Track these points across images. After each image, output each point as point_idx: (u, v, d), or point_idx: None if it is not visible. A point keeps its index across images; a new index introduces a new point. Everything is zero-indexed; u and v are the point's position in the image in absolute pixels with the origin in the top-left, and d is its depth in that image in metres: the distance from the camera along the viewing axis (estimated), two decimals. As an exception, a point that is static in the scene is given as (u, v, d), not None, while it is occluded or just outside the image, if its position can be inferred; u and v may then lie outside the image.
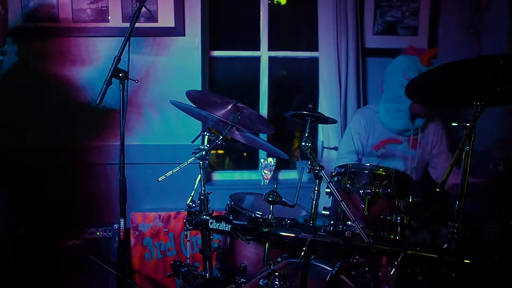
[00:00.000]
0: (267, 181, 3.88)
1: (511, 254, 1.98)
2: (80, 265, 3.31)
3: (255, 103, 4.00)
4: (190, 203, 2.54)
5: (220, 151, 4.31)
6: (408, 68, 2.96)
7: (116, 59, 2.13)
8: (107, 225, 3.42)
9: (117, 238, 3.39)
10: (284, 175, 4.08)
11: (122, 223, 2.30)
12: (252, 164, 4.15)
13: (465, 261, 1.75)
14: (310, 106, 2.15)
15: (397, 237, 1.94)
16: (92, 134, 3.61)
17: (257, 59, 3.97)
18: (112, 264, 3.33)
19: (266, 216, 2.37)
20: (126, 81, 2.17)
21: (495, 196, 2.31)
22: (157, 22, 3.50)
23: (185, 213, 3.44)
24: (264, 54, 3.95)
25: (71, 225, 3.43)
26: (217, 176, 4.02)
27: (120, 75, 2.14)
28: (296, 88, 4.26)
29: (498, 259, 1.95)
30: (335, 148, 3.64)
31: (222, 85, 4.08)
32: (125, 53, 2.22)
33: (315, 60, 3.83)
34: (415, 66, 2.96)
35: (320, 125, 3.81)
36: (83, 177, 3.61)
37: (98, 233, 3.39)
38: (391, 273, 1.84)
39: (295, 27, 4.11)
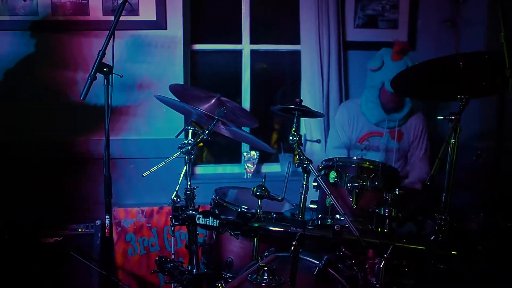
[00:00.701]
0: (250, 175, 3.89)
1: (495, 244, 2.02)
2: (62, 262, 3.26)
3: (237, 96, 3.99)
4: (175, 198, 2.51)
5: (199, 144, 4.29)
6: (373, 59, 3.16)
7: (100, 54, 2.09)
8: (88, 221, 3.38)
9: (99, 235, 3.35)
10: (266, 168, 4.08)
11: (107, 219, 2.26)
12: (235, 157, 4.14)
13: (452, 252, 1.78)
14: (298, 100, 2.14)
15: (385, 230, 1.96)
16: (73, 129, 3.56)
17: (239, 52, 3.95)
18: (94, 261, 3.29)
19: (253, 210, 2.37)
20: (110, 76, 2.13)
21: (477, 186, 2.35)
22: (138, 15, 3.46)
23: (169, 208, 3.47)
24: (246, 47, 3.93)
25: (52, 221, 3.39)
26: (200, 170, 4.00)
27: (105, 70, 2.10)
28: (278, 81, 4.25)
29: (482, 248, 1.98)
30: (318, 141, 3.66)
31: (204, 78, 4.05)
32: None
33: (297, 53, 3.84)
34: (380, 57, 3.11)
35: (302, 118, 3.82)
36: (64, 172, 3.55)
37: (80, 230, 3.35)
38: (381, 265, 1.85)
39: (277, 20, 4.10)
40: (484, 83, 1.86)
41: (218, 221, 2.13)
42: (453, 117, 1.86)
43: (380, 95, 3.13)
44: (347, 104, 3.39)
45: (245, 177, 3.90)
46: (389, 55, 3.09)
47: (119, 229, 3.46)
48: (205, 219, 2.19)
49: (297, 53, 3.84)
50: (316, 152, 3.65)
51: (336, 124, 3.26)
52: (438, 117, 1.92)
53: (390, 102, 3.11)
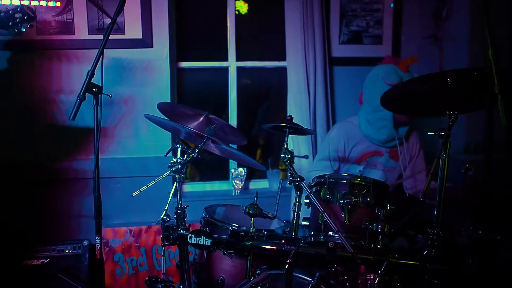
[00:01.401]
0: (238, 191, 3.88)
1: (486, 257, 2.04)
2: (50, 284, 3.19)
3: (223, 113, 3.99)
4: (164, 217, 2.49)
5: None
6: (389, 74, 2.96)
7: (89, 74, 2.07)
8: (75, 242, 3.33)
9: (87, 255, 3.30)
10: (255, 184, 4.08)
11: (98, 241, 2.23)
12: (221, 173, 4.13)
13: (446, 267, 1.80)
14: (288, 118, 2.16)
15: (378, 246, 1.97)
16: (57, 149, 3.52)
17: (225, 70, 3.96)
18: (83, 282, 3.23)
19: (244, 228, 2.37)
20: (100, 96, 2.11)
21: (466, 200, 2.37)
22: (124, 33, 3.45)
23: (157, 226, 3.45)
24: (232, 64, 3.95)
25: (37, 243, 3.32)
26: (188, 187, 3.98)
27: (94, 90, 2.08)
28: (265, 97, 4.27)
29: (473, 262, 2.00)
30: (306, 157, 3.65)
31: (191, 96, 4.05)
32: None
33: (283, 69, 3.87)
34: (395, 72, 2.97)
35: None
36: (49, 192, 3.50)
37: (67, 251, 3.28)
38: (375, 282, 1.86)
39: (263, 36, 4.13)
40: (473, 98, 1.90)
41: (210, 240, 2.12)
42: (443, 133, 1.89)
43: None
44: (345, 126, 3.21)
45: (233, 194, 3.89)
46: (398, 69, 2.99)
47: (107, 249, 3.41)
48: (197, 238, 2.18)
49: (283, 69, 3.88)
50: (304, 167, 3.66)
51: (330, 143, 3.15)
52: (429, 133, 1.95)
53: (404, 118, 3.02)
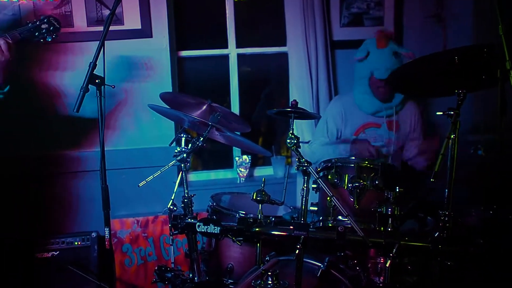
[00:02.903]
0: (243, 179, 3.86)
1: (496, 237, 2.03)
2: (60, 276, 3.22)
3: (225, 101, 3.96)
4: (171, 207, 2.48)
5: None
6: (359, 49, 3.15)
7: (91, 65, 2.05)
8: (84, 234, 3.33)
9: (96, 247, 3.31)
10: (259, 172, 4.06)
11: (107, 232, 2.23)
12: (225, 162, 4.11)
13: (458, 248, 1.78)
14: (293, 102, 2.13)
15: (389, 229, 1.95)
16: (61, 142, 3.51)
17: (226, 57, 3.93)
18: (92, 274, 3.24)
19: (252, 215, 2.36)
20: (103, 87, 2.09)
21: (476, 180, 2.36)
22: (123, 24, 3.42)
23: (164, 216, 3.44)
24: (232, 51, 3.91)
25: (47, 235, 3.35)
26: (192, 177, 3.96)
27: (97, 81, 2.07)
28: (267, 83, 4.24)
29: (484, 242, 1.99)
30: (309, 142, 3.65)
31: (192, 84, 4.02)
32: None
33: (284, 55, 3.83)
34: (364, 46, 3.12)
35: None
36: (56, 185, 3.50)
37: (76, 243, 3.30)
38: (387, 265, 1.85)
39: (263, 22, 4.08)
40: (483, 76, 1.87)
41: (219, 228, 2.11)
42: (452, 112, 1.86)
43: (371, 85, 3.10)
44: (341, 97, 3.36)
45: (238, 182, 3.87)
46: (374, 43, 3.09)
47: (115, 240, 3.42)
48: (206, 227, 2.17)
49: (284, 55, 3.84)
50: (307, 153, 3.64)
51: (328, 116, 3.20)
52: (437, 113, 1.92)
53: (380, 93, 3.08)
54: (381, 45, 3.06)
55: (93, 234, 3.31)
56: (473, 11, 3.38)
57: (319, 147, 3.21)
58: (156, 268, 2.67)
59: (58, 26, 2.77)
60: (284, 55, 3.83)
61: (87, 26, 3.37)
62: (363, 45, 3.16)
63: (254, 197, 2.16)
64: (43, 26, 2.70)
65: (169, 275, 2.57)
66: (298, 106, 2.22)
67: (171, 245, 2.77)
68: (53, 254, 3.23)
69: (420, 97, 3.16)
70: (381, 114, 3.15)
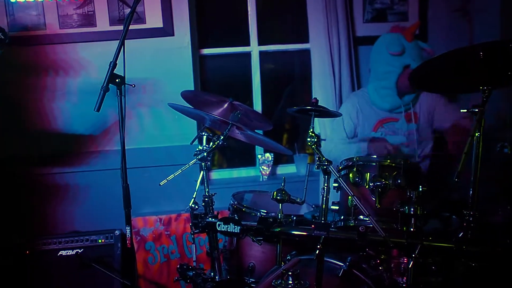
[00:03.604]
0: (266, 177, 3.85)
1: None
2: (84, 273, 3.26)
3: (247, 98, 3.95)
4: (193, 205, 2.49)
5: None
6: (391, 44, 3.03)
7: (112, 65, 2.06)
8: (108, 232, 3.37)
9: (119, 245, 3.33)
10: (282, 169, 4.04)
11: (128, 230, 2.24)
12: (248, 159, 4.10)
13: (483, 250, 1.73)
14: (314, 100, 2.10)
15: (411, 229, 1.91)
16: (87, 140, 3.55)
17: (248, 55, 3.92)
18: (116, 271, 3.27)
19: (272, 214, 2.34)
20: (123, 86, 2.10)
21: (502, 179, 2.29)
22: (145, 23, 3.44)
23: (186, 214, 3.45)
24: (254, 49, 3.90)
25: (70, 233, 3.41)
26: (215, 175, 3.97)
27: (117, 80, 2.08)
28: (288, 81, 4.21)
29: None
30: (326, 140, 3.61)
31: (214, 82, 4.02)
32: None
33: (306, 52, 3.80)
34: (398, 41, 3.02)
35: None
36: (79, 184, 3.56)
37: (100, 241, 3.33)
38: (409, 266, 1.81)
39: (284, 19, 4.06)
40: (510, 72, 1.80)
41: (239, 227, 2.10)
42: (476, 110, 1.80)
43: (399, 80, 3.03)
44: (356, 93, 3.33)
45: (261, 180, 3.86)
46: (403, 38, 3.03)
47: (138, 238, 3.45)
48: (226, 226, 2.15)
49: (306, 52, 3.80)
50: (324, 151, 3.59)
51: (344, 113, 3.17)
52: (462, 110, 1.86)
53: (408, 86, 2.99)
54: (410, 39, 3.03)
55: (116, 232, 3.34)
56: (500, 5, 3.27)
57: (337, 145, 3.17)
58: (178, 266, 2.69)
59: (3, 37, 2.46)
60: (307, 52, 3.79)
61: (110, 26, 3.41)
62: (396, 39, 3.04)
63: (274, 196, 2.15)
64: None
65: (191, 273, 2.58)
66: (320, 103, 2.19)
67: (193, 243, 2.79)
68: (77, 251, 3.27)
69: (443, 93, 3.08)
70: (398, 111, 3.10)
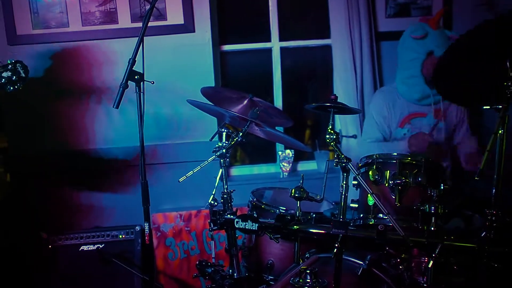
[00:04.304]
0: (286, 174, 3.83)
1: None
2: (105, 268, 3.30)
3: (268, 95, 3.94)
4: (212, 202, 2.48)
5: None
6: (414, 30, 3.06)
7: (131, 61, 2.06)
8: (128, 227, 3.40)
9: (139, 240, 3.37)
10: (302, 166, 4.02)
11: (146, 227, 2.24)
12: (269, 156, 4.09)
13: (506, 250, 1.69)
14: (333, 97, 2.08)
15: (432, 228, 1.87)
16: (106, 137, 3.59)
17: (269, 51, 3.90)
18: (136, 267, 3.31)
19: (291, 211, 2.32)
20: (142, 83, 2.11)
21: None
22: (166, 20, 3.46)
23: (206, 211, 3.46)
24: (275, 45, 3.88)
25: (91, 229, 3.47)
26: (235, 171, 3.97)
27: (136, 77, 2.08)
28: (310, 77, 4.18)
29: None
30: (354, 136, 3.57)
31: (234, 78, 4.01)
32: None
33: (328, 48, 3.76)
34: (421, 27, 3.03)
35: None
36: (101, 180, 3.60)
37: (120, 236, 3.38)
38: (429, 266, 1.77)
39: (306, 15, 4.02)
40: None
41: (257, 225, 2.09)
42: (500, 106, 1.75)
43: (424, 67, 3.01)
44: (382, 90, 3.31)
45: (281, 176, 3.84)
46: (427, 25, 3.04)
47: (159, 234, 3.47)
48: (244, 223, 2.15)
49: (327, 48, 3.77)
50: (352, 148, 3.57)
51: (373, 112, 3.14)
52: (484, 107, 1.82)
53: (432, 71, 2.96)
54: (436, 27, 3.03)
55: (137, 227, 3.37)
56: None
57: (371, 143, 3.14)
58: (197, 262, 2.69)
59: (23, 76, 2.40)
60: (328, 48, 3.76)
61: (131, 22, 3.43)
62: (419, 26, 3.07)
63: (292, 194, 2.13)
64: (5, 74, 2.36)
65: (209, 270, 2.58)
66: (342, 100, 2.16)
67: (212, 240, 2.79)
68: (99, 247, 3.32)
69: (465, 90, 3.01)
70: (428, 101, 3.05)
